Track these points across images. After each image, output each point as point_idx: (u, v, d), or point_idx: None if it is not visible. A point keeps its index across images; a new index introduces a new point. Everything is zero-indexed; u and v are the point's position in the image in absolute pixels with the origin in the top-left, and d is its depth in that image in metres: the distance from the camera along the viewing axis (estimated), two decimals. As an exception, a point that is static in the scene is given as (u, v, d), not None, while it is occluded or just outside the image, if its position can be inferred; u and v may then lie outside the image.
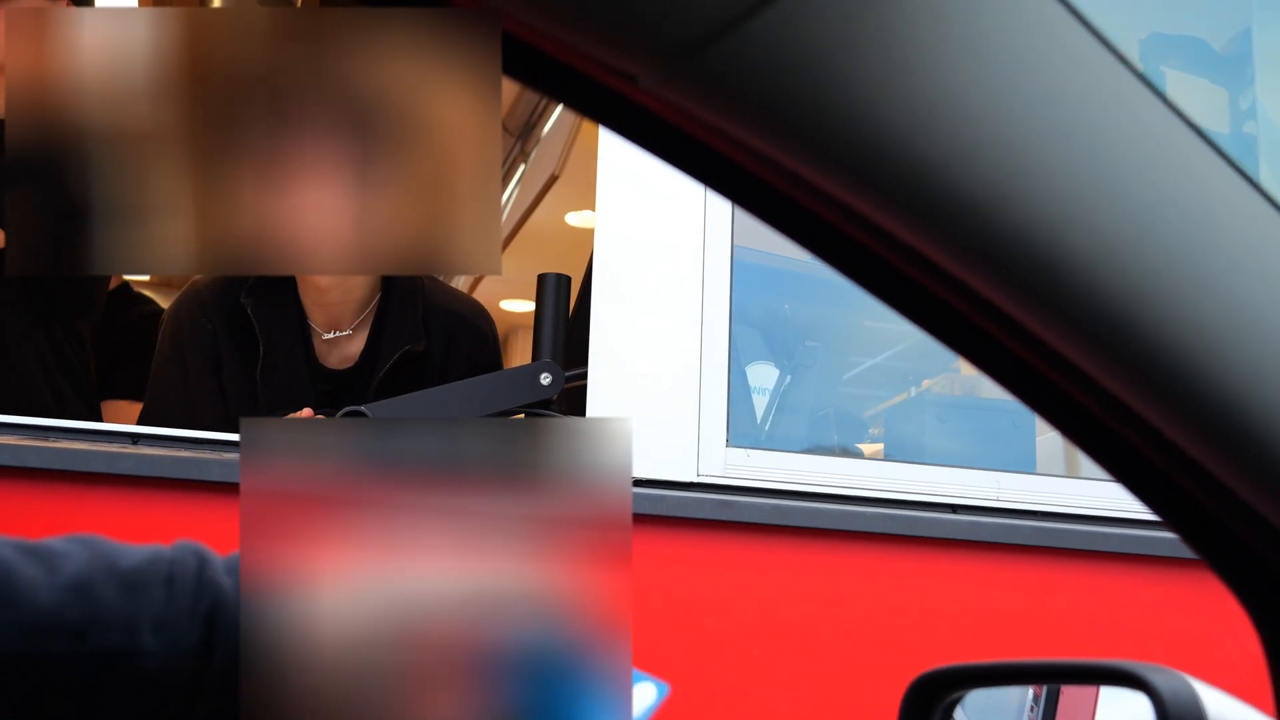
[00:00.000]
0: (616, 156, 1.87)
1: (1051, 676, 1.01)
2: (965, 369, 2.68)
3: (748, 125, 0.50)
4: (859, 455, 2.35)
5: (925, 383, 2.57)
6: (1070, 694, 1.07)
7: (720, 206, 1.90)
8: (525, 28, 0.47)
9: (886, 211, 0.52)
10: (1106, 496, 1.93)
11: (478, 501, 0.59)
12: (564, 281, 1.97)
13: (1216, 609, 1.84)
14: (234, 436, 1.75)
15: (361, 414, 1.89)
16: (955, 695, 0.95)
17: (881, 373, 2.62)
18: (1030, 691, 1.10)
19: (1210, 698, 0.77)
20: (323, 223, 0.51)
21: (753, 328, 2.24)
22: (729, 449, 1.84)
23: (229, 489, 1.66)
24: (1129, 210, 0.53)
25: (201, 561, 0.78)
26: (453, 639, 0.60)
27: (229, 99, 0.51)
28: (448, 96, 0.51)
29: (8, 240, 0.50)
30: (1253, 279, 0.56)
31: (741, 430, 1.96)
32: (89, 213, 0.50)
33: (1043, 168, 0.51)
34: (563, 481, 0.59)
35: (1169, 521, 0.63)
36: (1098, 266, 0.53)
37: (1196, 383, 0.55)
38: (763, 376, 2.16)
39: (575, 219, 5.61)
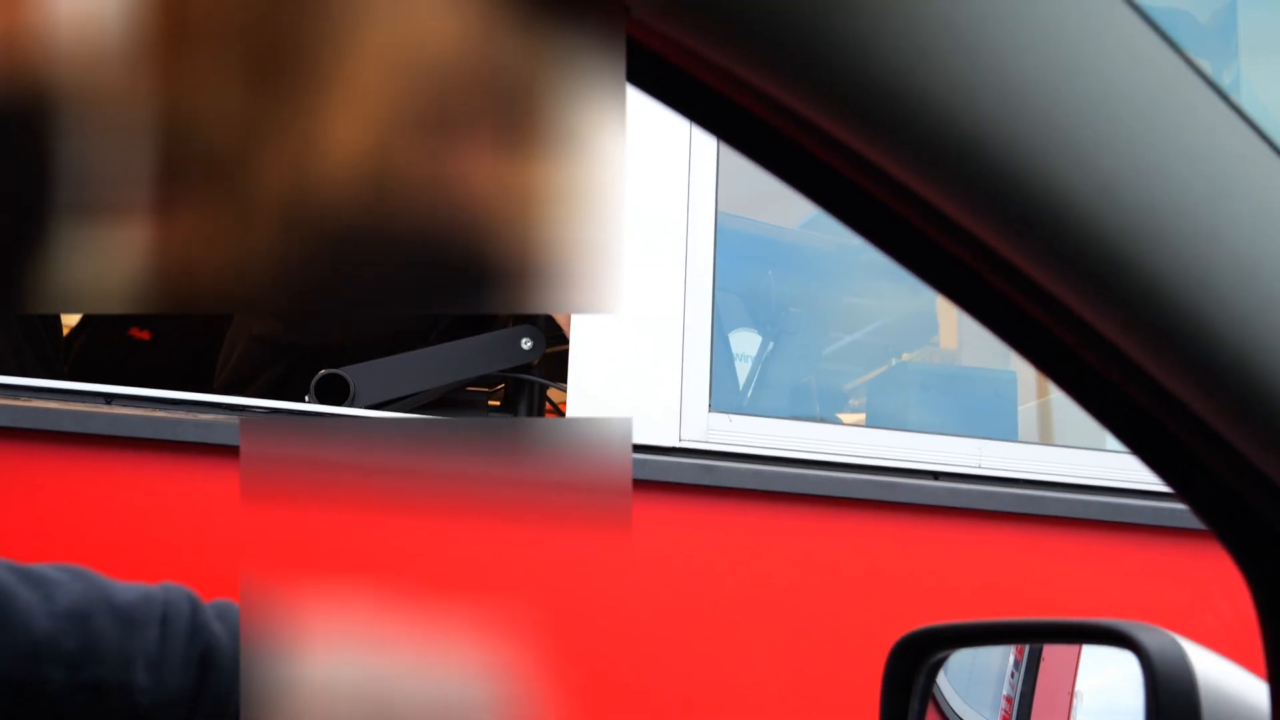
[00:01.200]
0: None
1: (1037, 635, 1.00)
2: (945, 343, 2.68)
3: (747, 59, 0.48)
4: (840, 424, 2.34)
5: (907, 355, 2.56)
6: (1052, 658, 1.06)
7: (705, 171, 1.88)
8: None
9: (888, 150, 0.50)
10: (1087, 464, 1.93)
11: (474, 503, 0.58)
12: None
13: (1198, 577, 1.84)
14: (208, 397, 1.73)
15: (341, 378, 1.86)
16: (939, 656, 0.94)
17: (861, 349, 2.62)
18: (1011, 656, 1.10)
19: (1198, 656, 0.77)
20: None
21: (735, 295, 2.23)
22: (711, 414, 1.83)
23: (203, 449, 1.64)
24: (1132, 154, 0.52)
25: (194, 606, 0.79)
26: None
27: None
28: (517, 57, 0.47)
29: None
30: (1261, 229, 0.54)
31: (724, 396, 1.95)
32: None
33: (1047, 102, 0.49)
34: (562, 484, 0.58)
35: (1168, 478, 0.62)
36: (1101, 210, 0.52)
37: (1205, 338, 0.54)
38: (745, 343, 2.15)
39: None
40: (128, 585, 0.78)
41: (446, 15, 0.46)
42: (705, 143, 1.88)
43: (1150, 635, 0.78)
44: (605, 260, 0.47)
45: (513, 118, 0.47)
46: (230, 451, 1.64)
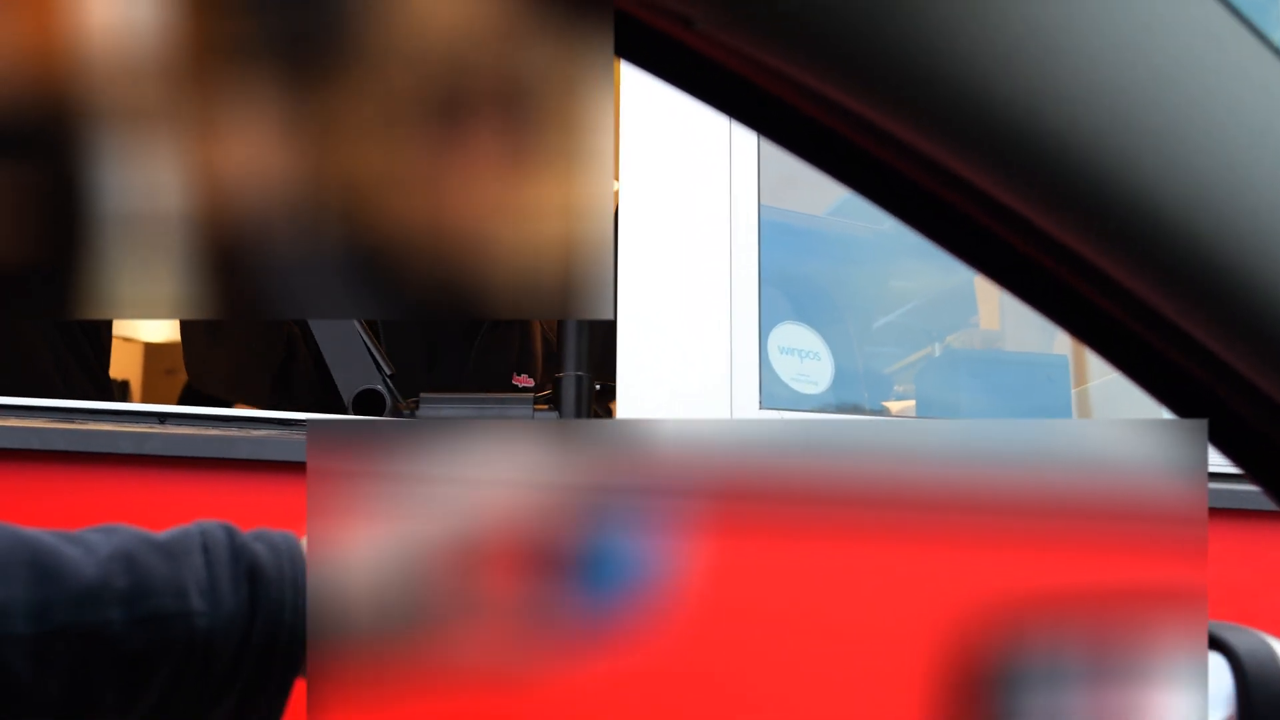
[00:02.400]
0: (638, 120, 1.84)
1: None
2: (985, 323, 2.65)
3: (813, 68, 0.47)
4: (887, 414, 2.32)
5: (950, 338, 2.54)
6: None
7: (746, 166, 1.87)
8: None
9: (962, 158, 0.49)
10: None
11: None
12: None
13: (1263, 561, 1.81)
14: (262, 413, 1.74)
15: (378, 392, 1.87)
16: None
17: (897, 329, 2.60)
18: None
19: (1290, 654, 0.75)
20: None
21: (776, 288, 2.22)
22: (762, 412, 1.82)
23: (258, 466, 1.64)
24: (1206, 137, 0.50)
25: (229, 532, 0.81)
26: None
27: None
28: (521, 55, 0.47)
29: None
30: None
31: (773, 392, 1.94)
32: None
33: (1132, 101, 0.48)
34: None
35: (1237, 458, 0.60)
36: (1176, 197, 0.50)
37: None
38: (791, 337, 2.13)
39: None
40: (164, 532, 0.80)
41: (446, 16, 0.46)
42: (746, 138, 1.87)
43: (1239, 636, 0.76)
44: (595, 265, 0.47)
45: (504, 121, 0.46)
46: (286, 467, 1.64)
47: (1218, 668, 0.77)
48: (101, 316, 0.48)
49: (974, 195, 0.51)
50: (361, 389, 1.87)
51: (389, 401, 1.86)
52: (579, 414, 1.93)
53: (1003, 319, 2.58)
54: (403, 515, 0.58)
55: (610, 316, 0.51)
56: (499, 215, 0.47)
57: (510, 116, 0.48)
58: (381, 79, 0.47)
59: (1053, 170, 0.49)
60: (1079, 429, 0.58)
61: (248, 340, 2.28)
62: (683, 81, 0.51)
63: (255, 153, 0.47)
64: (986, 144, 0.49)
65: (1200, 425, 0.54)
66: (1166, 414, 0.57)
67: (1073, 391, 2.30)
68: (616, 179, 1.87)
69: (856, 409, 2.19)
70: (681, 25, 0.46)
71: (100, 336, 2.42)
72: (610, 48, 0.47)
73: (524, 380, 2.54)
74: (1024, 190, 0.50)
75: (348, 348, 1.90)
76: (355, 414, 1.86)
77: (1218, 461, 0.56)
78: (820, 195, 2.65)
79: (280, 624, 0.77)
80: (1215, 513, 1.83)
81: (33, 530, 0.76)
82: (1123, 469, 0.55)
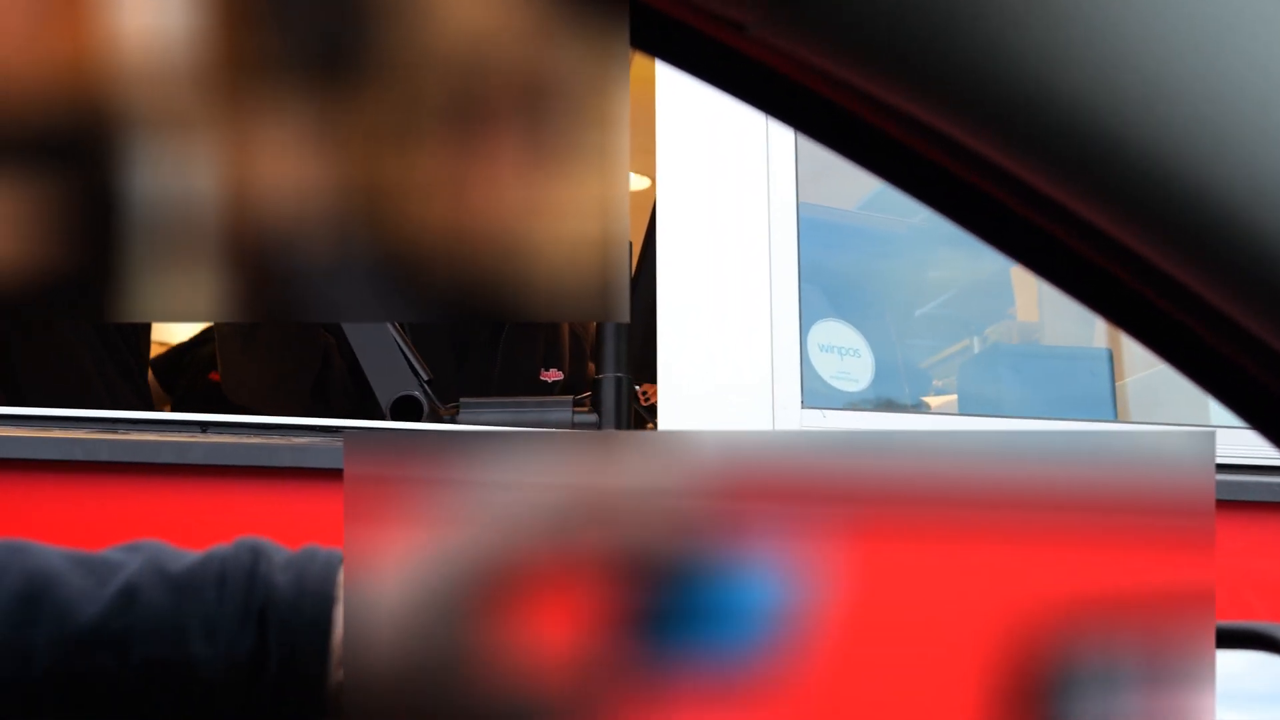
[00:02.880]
0: (674, 118, 1.83)
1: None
2: (1022, 314, 2.63)
3: (868, 71, 0.47)
4: (926, 409, 2.31)
5: (988, 330, 2.52)
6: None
7: (783, 162, 1.86)
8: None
9: (1009, 152, 0.48)
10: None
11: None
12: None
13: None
14: (304, 421, 1.74)
15: (415, 399, 1.87)
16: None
17: (934, 322, 2.58)
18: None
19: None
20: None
21: (813, 284, 2.20)
22: (804, 410, 1.81)
23: (300, 474, 1.65)
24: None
25: (256, 556, 0.73)
26: None
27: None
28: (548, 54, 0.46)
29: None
30: None
31: (814, 389, 1.93)
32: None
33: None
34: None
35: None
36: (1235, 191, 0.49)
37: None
38: (831, 334, 2.12)
39: (632, 183, 5.58)
40: (194, 553, 0.74)
41: (468, 20, 0.46)
42: (783, 135, 1.86)
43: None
44: (611, 267, 0.47)
45: (523, 124, 0.46)
46: (327, 474, 1.64)
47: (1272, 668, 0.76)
48: (137, 320, 0.48)
49: (1015, 186, 0.50)
50: (399, 395, 1.88)
51: (426, 407, 1.87)
52: (619, 415, 1.92)
53: (1041, 310, 2.56)
54: (448, 521, 0.56)
55: (626, 320, 0.51)
56: (519, 218, 0.47)
57: (529, 118, 0.47)
58: (409, 84, 0.46)
59: (1107, 164, 0.48)
60: (1106, 436, 0.58)
61: (282, 351, 2.28)
62: (739, 89, 0.51)
63: (286, 158, 0.46)
64: (1037, 139, 0.48)
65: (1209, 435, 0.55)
66: (1214, 407, 0.57)
67: (1115, 385, 2.28)
68: (652, 178, 1.86)
69: (896, 406, 2.18)
70: (734, 30, 0.46)
71: (139, 344, 2.43)
72: (626, 46, 0.47)
73: (552, 375, 2.54)
74: (1091, 192, 0.49)
75: (384, 354, 1.90)
76: (393, 420, 1.86)
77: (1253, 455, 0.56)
78: (851, 189, 2.64)
79: (293, 670, 0.70)
80: (1250, 505, 1.81)
81: (47, 553, 0.72)
82: (1139, 474, 0.56)
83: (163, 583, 0.71)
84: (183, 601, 0.70)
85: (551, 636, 0.56)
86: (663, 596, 0.55)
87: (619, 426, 1.85)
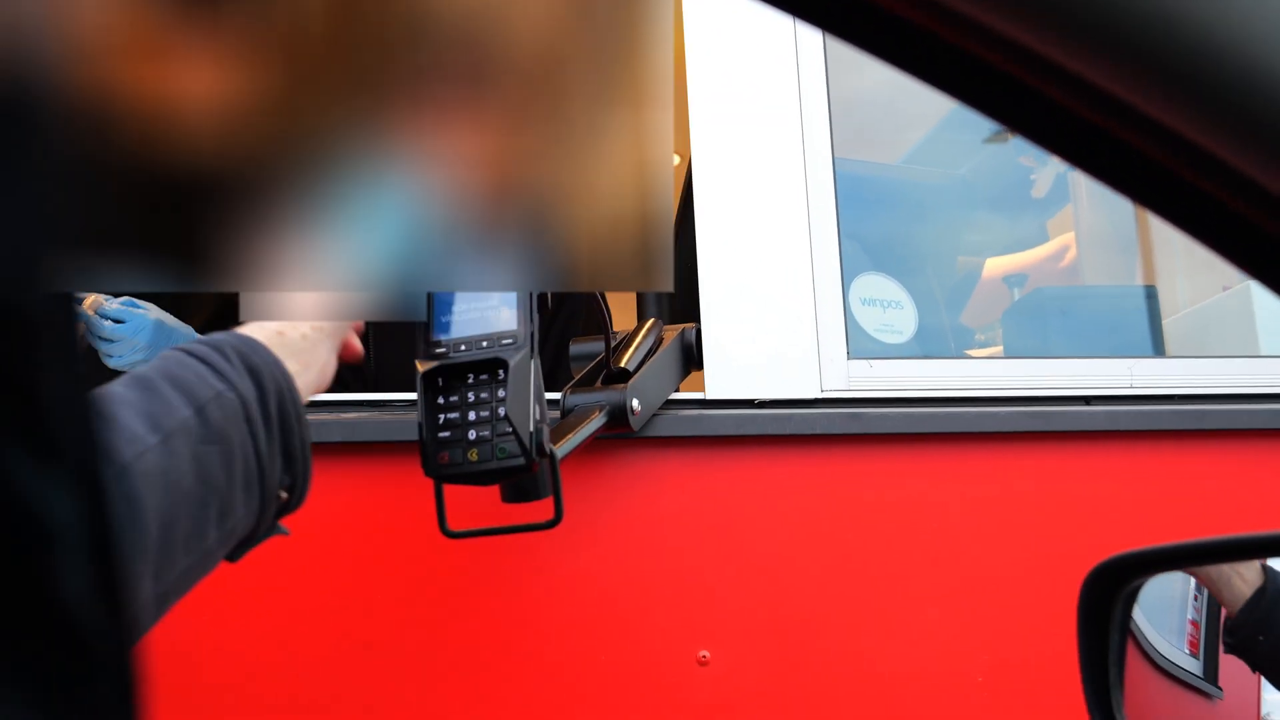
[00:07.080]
0: (706, 79, 1.82)
1: (1233, 553, 0.96)
2: (1065, 261, 2.61)
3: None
4: (971, 360, 2.29)
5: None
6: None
7: (818, 116, 1.85)
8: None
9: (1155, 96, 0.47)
10: (1242, 373, 1.86)
11: None
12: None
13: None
14: (350, 396, 1.75)
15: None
16: (1136, 583, 0.91)
17: (977, 271, 2.57)
18: (1192, 580, 1.06)
19: None
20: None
21: (854, 240, 2.19)
22: (851, 360, 1.80)
23: (350, 448, 1.66)
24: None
25: (214, 347, 1.03)
26: None
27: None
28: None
29: None
30: None
31: (859, 344, 1.92)
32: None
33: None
34: None
35: None
36: None
37: None
38: (872, 288, 2.11)
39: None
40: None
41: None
42: (816, 89, 1.85)
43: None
44: (656, 238, 0.47)
45: (565, 94, 0.46)
46: (380, 448, 1.65)
47: None
48: (227, 289, 0.49)
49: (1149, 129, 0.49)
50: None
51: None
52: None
53: (1080, 252, 2.54)
54: None
55: (671, 289, 0.51)
56: (574, 190, 0.47)
57: (580, 92, 0.47)
58: (486, 69, 0.46)
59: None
60: None
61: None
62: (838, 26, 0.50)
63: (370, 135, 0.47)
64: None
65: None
66: (1263, 340, 0.55)
67: (1163, 322, 2.26)
68: (683, 156, 1.85)
69: (942, 356, 2.17)
70: None
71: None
72: (670, 14, 0.46)
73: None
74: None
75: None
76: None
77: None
78: (894, 145, 2.62)
79: (281, 391, 1.02)
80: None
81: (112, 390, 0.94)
82: None
83: (170, 376, 0.97)
84: (191, 372, 0.98)
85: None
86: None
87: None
